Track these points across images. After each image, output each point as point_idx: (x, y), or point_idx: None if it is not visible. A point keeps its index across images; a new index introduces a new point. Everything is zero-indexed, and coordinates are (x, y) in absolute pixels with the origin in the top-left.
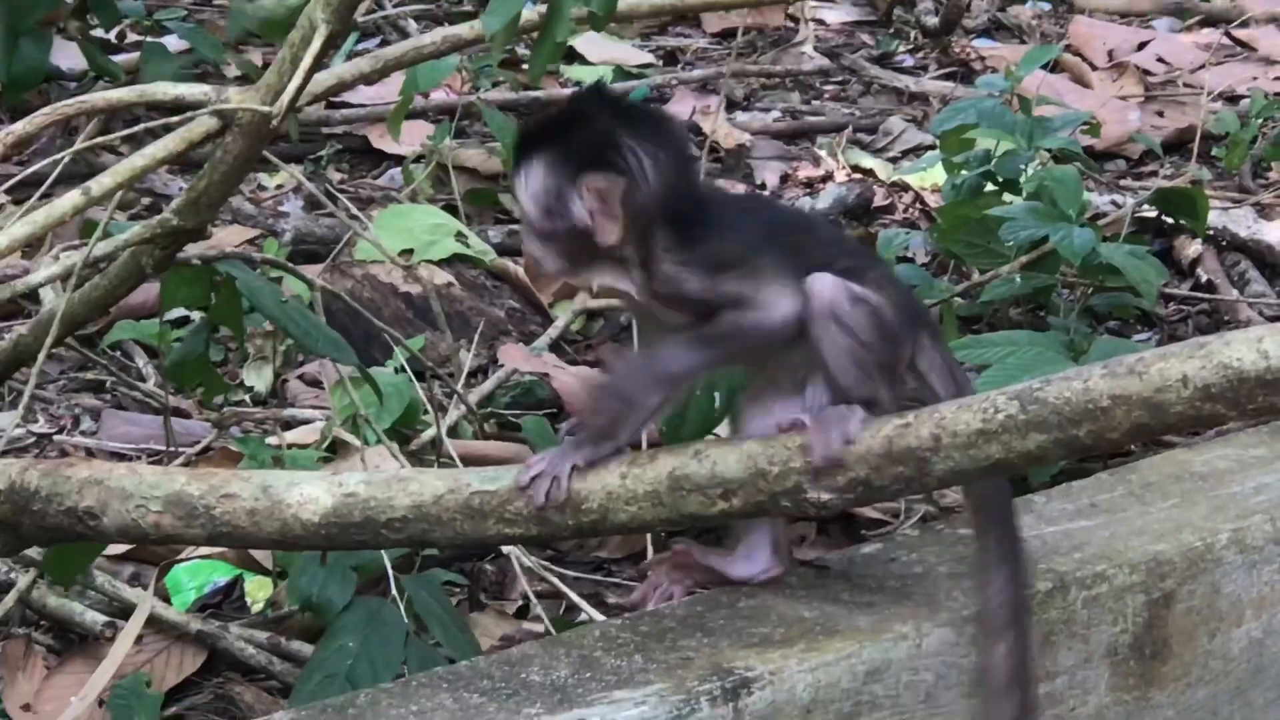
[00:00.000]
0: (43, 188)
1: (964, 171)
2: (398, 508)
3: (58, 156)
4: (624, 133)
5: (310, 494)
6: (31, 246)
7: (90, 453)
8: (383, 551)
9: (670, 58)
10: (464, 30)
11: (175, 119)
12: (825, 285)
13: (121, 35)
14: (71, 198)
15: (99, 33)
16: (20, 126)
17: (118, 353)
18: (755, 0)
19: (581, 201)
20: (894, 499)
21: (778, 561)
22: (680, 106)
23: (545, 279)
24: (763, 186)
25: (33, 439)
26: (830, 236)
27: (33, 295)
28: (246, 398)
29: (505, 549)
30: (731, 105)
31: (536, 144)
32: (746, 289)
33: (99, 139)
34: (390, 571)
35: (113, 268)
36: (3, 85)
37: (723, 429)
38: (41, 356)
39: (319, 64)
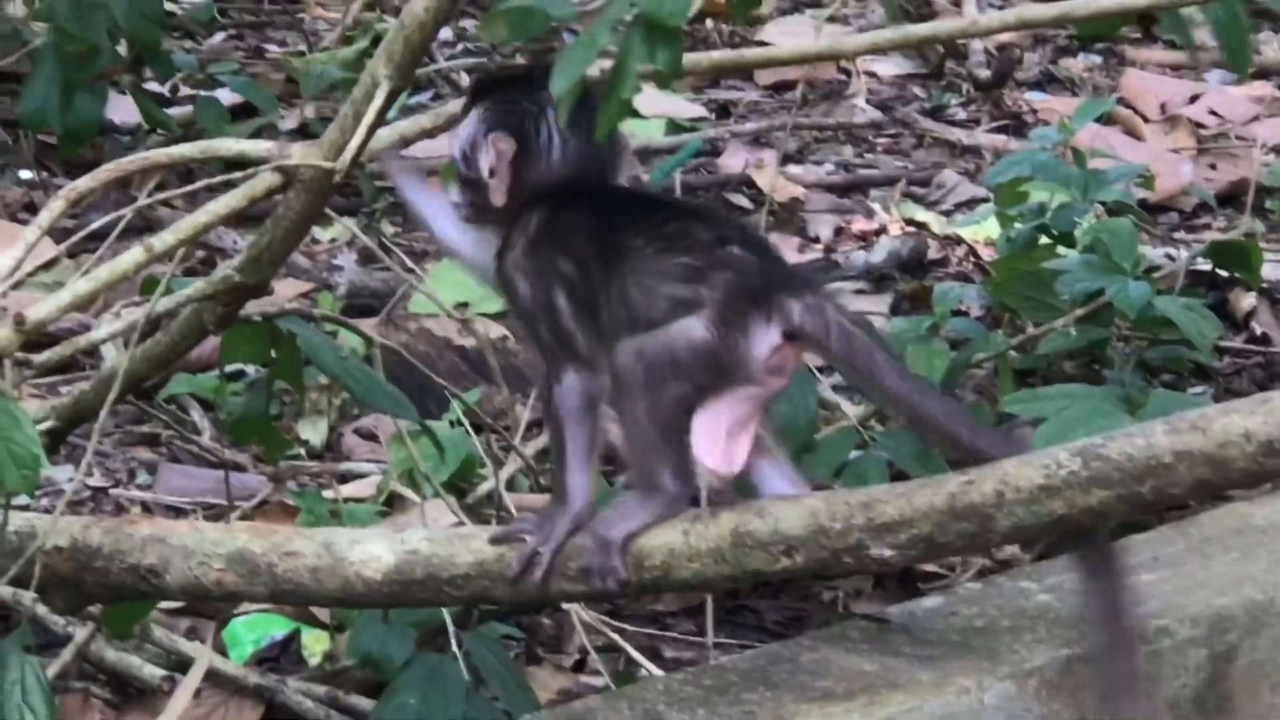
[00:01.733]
0: (106, 243)
1: (1018, 224)
2: (460, 565)
3: (120, 213)
4: (553, 110)
5: (373, 551)
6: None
7: (146, 506)
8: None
9: (723, 111)
10: None
11: (238, 174)
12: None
13: (175, 89)
14: (134, 254)
15: (153, 86)
16: (84, 182)
17: (173, 406)
18: (812, 57)
19: (486, 156)
20: (956, 555)
21: None
22: (733, 160)
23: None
24: (816, 240)
25: (88, 493)
26: (676, 231)
27: (90, 350)
28: (302, 451)
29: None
30: (784, 158)
31: (482, 95)
32: (549, 345)
33: (161, 195)
34: (450, 626)
35: (175, 324)
36: (58, 138)
37: None
38: (104, 414)
39: (381, 120)
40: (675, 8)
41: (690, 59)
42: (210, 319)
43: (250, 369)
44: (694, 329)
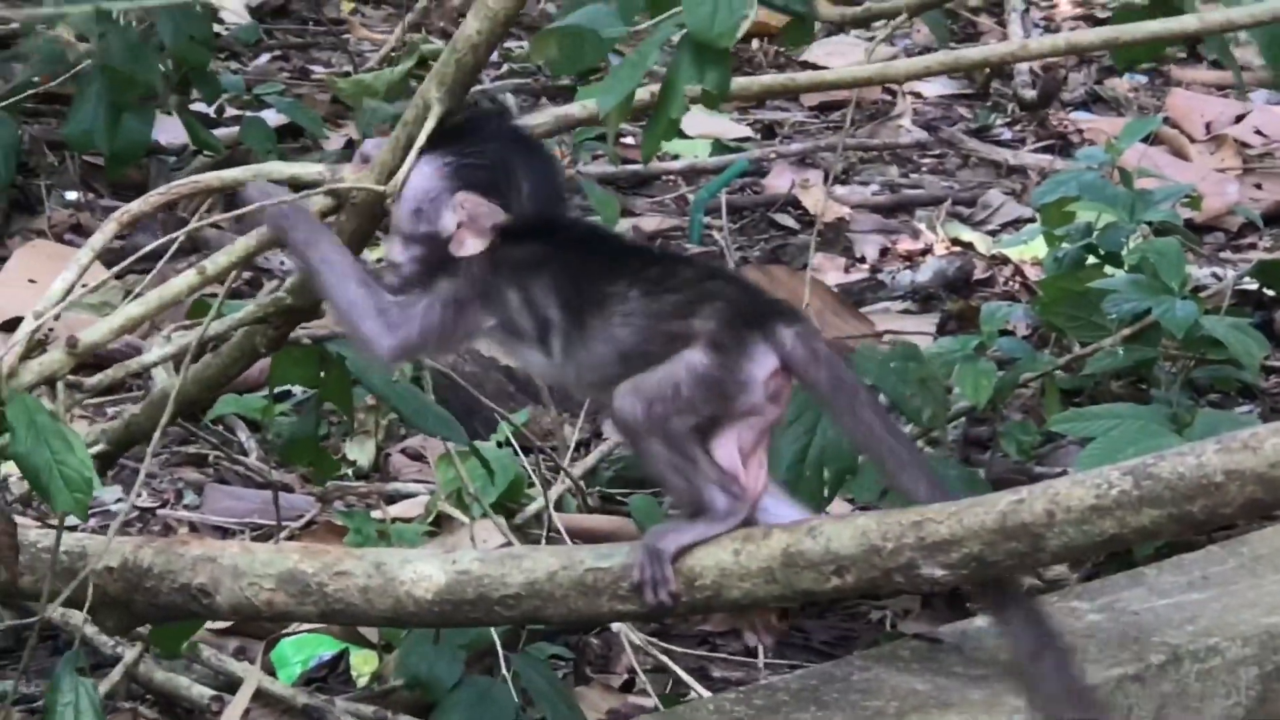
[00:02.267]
0: (158, 265)
1: (1065, 244)
2: (511, 584)
3: (172, 235)
4: (516, 161)
5: (423, 571)
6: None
7: (193, 527)
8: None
9: (769, 131)
10: (575, 109)
11: (291, 197)
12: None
13: (221, 110)
14: (187, 277)
15: (199, 107)
16: (136, 205)
17: (219, 426)
18: (862, 82)
19: (453, 214)
20: (1007, 574)
21: None
22: (779, 180)
23: None
24: (862, 260)
25: (136, 513)
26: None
27: (139, 372)
28: (349, 472)
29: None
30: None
31: (432, 149)
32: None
33: (215, 216)
34: (499, 648)
35: (226, 347)
36: (105, 160)
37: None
38: (156, 436)
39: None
40: (724, 28)
41: (740, 83)
42: (262, 342)
43: (296, 389)
44: (693, 358)
